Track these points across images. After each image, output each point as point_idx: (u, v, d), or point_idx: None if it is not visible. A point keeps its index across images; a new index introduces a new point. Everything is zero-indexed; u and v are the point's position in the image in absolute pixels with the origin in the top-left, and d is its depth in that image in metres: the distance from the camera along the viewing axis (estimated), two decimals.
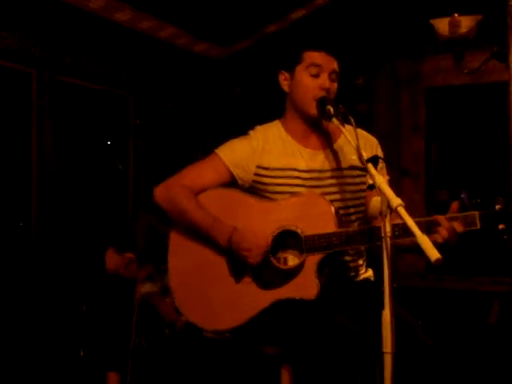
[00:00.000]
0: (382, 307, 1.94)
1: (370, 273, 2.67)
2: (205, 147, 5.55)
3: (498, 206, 2.24)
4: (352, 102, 5.13)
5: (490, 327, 4.77)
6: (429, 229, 2.21)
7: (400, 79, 5.16)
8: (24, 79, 4.21)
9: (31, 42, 4.14)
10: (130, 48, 4.83)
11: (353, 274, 2.59)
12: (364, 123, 5.08)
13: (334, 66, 2.50)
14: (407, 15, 4.90)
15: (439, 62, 4.90)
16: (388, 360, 1.92)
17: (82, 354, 3.20)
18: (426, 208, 5.16)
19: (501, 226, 2.23)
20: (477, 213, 2.25)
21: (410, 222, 1.86)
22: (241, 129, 2.70)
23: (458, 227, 2.22)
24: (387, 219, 1.97)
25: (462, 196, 4.79)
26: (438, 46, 4.65)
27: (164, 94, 5.23)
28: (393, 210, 1.92)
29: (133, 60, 4.90)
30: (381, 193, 1.97)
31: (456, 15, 4.00)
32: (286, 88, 2.59)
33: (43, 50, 4.23)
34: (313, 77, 2.48)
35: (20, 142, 4.21)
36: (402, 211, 1.89)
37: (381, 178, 2.01)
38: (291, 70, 2.54)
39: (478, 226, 2.24)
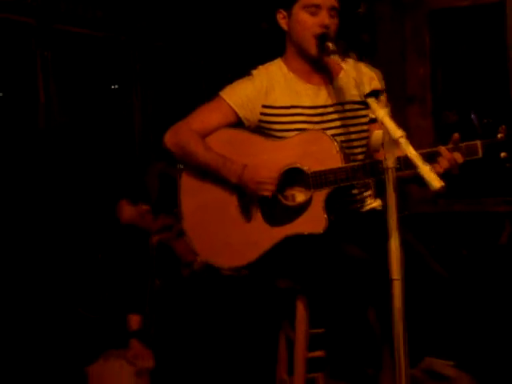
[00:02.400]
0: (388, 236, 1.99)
1: (378, 202, 2.72)
2: (208, 86, 5.54)
3: (500, 135, 2.26)
4: (355, 31, 5.08)
5: (501, 247, 4.83)
6: (431, 159, 2.24)
7: (402, 3, 5.10)
8: (25, 30, 4.20)
9: None
10: None
11: (359, 205, 2.65)
12: (368, 51, 5.08)
13: (333, 1, 2.49)
14: None
15: None
16: (397, 286, 1.98)
17: (104, 299, 3.29)
18: (435, 133, 5.16)
19: (503, 155, 2.24)
20: (479, 142, 2.26)
21: (412, 153, 1.89)
22: (242, 66, 2.71)
23: (459, 158, 2.25)
24: (390, 151, 2.00)
25: (472, 116, 4.78)
26: None
27: (164, 35, 5.19)
28: (395, 142, 1.95)
29: (131, 3, 4.85)
30: (382, 126, 2.00)
31: None
32: (284, 27, 2.58)
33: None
34: (311, 14, 2.48)
35: (26, 92, 4.23)
36: (404, 142, 1.92)
37: (382, 112, 2.03)
38: (288, 8, 2.53)
39: (480, 155, 2.26)
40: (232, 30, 5.54)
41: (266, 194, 2.46)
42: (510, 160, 2.25)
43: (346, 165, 2.39)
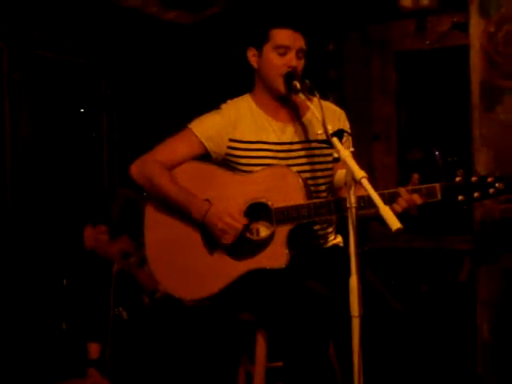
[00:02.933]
0: (349, 272, 2.03)
1: (339, 239, 2.77)
2: (178, 114, 5.56)
3: (458, 178, 2.33)
4: (323, 67, 5.16)
5: (460, 285, 4.89)
6: (391, 199, 2.30)
7: (370, 43, 5.19)
8: None
9: None
10: (100, 18, 4.79)
11: (322, 241, 2.69)
12: (335, 88, 5.17)
13: (301, 43, 2.55)
14: None
15: (407, 26, 4.94)
16: (356, 323, 2.01)
17: (64, 327, 3.25)
18: (398, 171, 5.24)
19: (460, 198, 2.32)
20: (437, 185, 2.33)
21: (373, 194, 1.95)
22: (213, 95, 2.75)
23: (418, 199, 2.30)
24: (352, 190, 2.05)
25: (436, 154, 4.86)
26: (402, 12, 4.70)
27: (135, 63, 5.22)
28: (357, 182, 2.00)
29: (103, 30, 4.87)
30: (346, 165, 2.05)
31: None
32: (254, 64, 2.64)
33: (12, 23, 4.20)
34: (280, 55, 2.54)
35: None
36: (366, 183, 1.97)
37: (346, 152, 2.09)
38: (259, 47, 2.59)
39: (439, 198, 2.32)
40: (203, 60, 5.58)
41: (225, 242, 2.49)
42: (467, 202, 2.32)
43: (309, 201, 2.44)
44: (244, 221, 2.48)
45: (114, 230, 3.27)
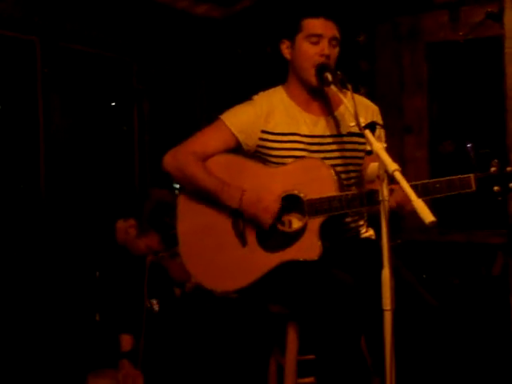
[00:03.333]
0: (382, 265, 2.02)
1: (371, 232, 2.76)
2: (208, 108, 5.58)
3: (493, 169, 2.31)
4: (354, 59, 5.13)
5: (493, 279, 4.85)
6: (425, 192, 2.29)
7: (401, 35, 5.15)
8: (28, 47, 4.24)
9: (33, 9, 4.16)
10: (132, 13, 4.83)
11: (354, 233, 2.68)
12: (366, 80, 5.13)
13: (334, 32, 2.54)
14: None
15: (439, 17, 4.88)
16: (388, 317, 2.01)
17: (97, 318, 3.29)
18: (430, 164, 5.19)
19: (496, 188, 2.29)
20: (472, 175, 2.31)
21: (406, 187, 1.93)
22: (244, 90, 2.75)
23: None
24: (385, 183, 2.04)
25: (468, 147, 4.82)
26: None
27: (167, 57, 5.24)
28: (390, 175, 1.99)
29: (135, 24, 4.90)
30: (378, 158, 2.04)
31: None
32: (287, 56, 2.63)
33: (45, 17, 4.25)
34: (313, 44, 2.53)
35: (27, 109, 4.26)
36: (399, 176, 1.96)
37: (378, 144, 2.07)
38: (292, 38, 2.59)
39: (474, 188, 2.31)
40: (234, 53, 5.59)
41: (264, 223, 2.49)
42: (503, 193, 2.30)
43: (341, 193, 2.43)
44: (279, 205, 2.47)
45: (142, 225, 3.29)
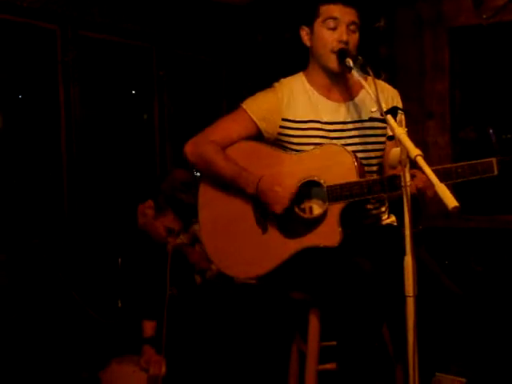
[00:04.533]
0: (404, 252, 2.01)
1: (392, 218, 2.74)
2: (229, 95, 5.58)
3: None
4: (374, 45, 5.09)
5: None
6: (446, 176, 2.28)
7: (422, 20, 5.09)
8: (48, 36, 4.25)
9: None
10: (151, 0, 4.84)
11: (375, 220, 2.67)
12: (387, 66, 5.09)
13: (353, 17, 2.52)
14: None
15: (460, 2, 4.82)
16: (410, 303, 2.00)
17: (120, 305, 3.30)
18: (452, 149, 5.15)
19: None
20: (494, 159, 2.29)
21: (429, 172, 1.92)
22: (264, 76, 2.74)
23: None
24: (407, 168, 2.02)
25: (490, 132, 4.78)
26: None
27: (187, 44, 5.24)
28: (412, 160, 1.98)
29: (154, 11, 4.90)
30: (400, 143, 2.02)
31: None
32: (307, 43, 2.62)
33: (65, 6, 4.25)
34: (331, 30, 2.51)
35: (48, 97, 4.28)
36: (421, 161, 1.94)
37: (400, 130, 2.06)
38: (310, 24, 2.57)
39: (496, 173, 2.29)
40: (254, 40, 5.57)
41: (275, 211, 2.49)
42: None
43: (362, 179, 2.42)
44: (294, 191, 2.47)
45: (159, 205, 3.29)
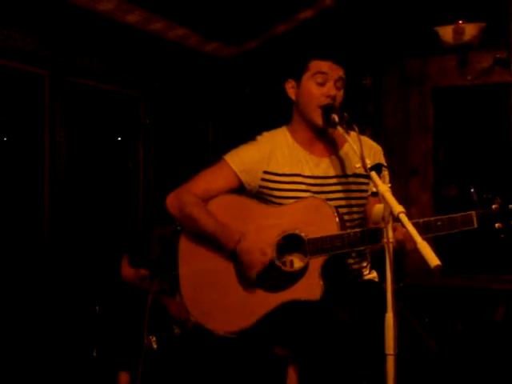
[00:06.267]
0: (385, 309, 1.99)
1: (374, 274, 2.73)
2: (215, 146, 5.60)
3: (494, 206, 2.31)
4: (360, 101, 5.16)
5: (496, 325, 4.81)
6: (427, 229, 2.29)
7: (408, 79, 5.19)
8: (36, 81, 4.27)
9: (43, 43, 4.20)
10: (141, 49, 4.88)
11: (356, 275, 2.65)
12: (372, 123, 5.16)
13: (340, 73, 2.54)
14: (413, 19, 4.92)
15: (446, 62, 4.92)
16: (390, 362, 1.97)
17: (94, 354, 3.25)
18: (434, 207, 5.19)
19: (497, 225, 2.29)
20: (473, 212, 2.31)
21: (412, 230, 1.92)
22: (250, 128, 2.75)
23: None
24: (389, 225, 2.02)
25: (471, 191, 4.82)
26: (443, 48, 4.68)
27: (174, 93, 5.28)
28: (395, 217, 1.98)
29: (143, 61, 4.95)
30: (384, 200, 2.03)
31: (460, 22, 4.02)
32: (292, 96, 2.64)
33: (55, 51, 4.29)
34: (319, 85, 2.53)
35: (33, 142, 4.27)
36: (404, 218, 1.94)
37: (384, 186, 2.06)
38: (298, 78, 2.59)
39: (475, 226, 2.31)
40: (241, 92, 5.63)
41: (251, 276, 2.48)
42: (505, 231, 2.29)
43: (343, 232, 2.42)
44: (272, 255, 2.46)
45: (152, 272, 3.31)
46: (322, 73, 2.53)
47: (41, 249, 4.17)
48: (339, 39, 4.48)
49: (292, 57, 2.67)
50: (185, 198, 2.62)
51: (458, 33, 3.90)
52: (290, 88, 2.63)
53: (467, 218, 2.31)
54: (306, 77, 2.56)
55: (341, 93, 2.57)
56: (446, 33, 4.00)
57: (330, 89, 2.52)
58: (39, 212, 4.22)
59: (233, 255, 2.54)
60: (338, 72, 2.54)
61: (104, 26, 4.51)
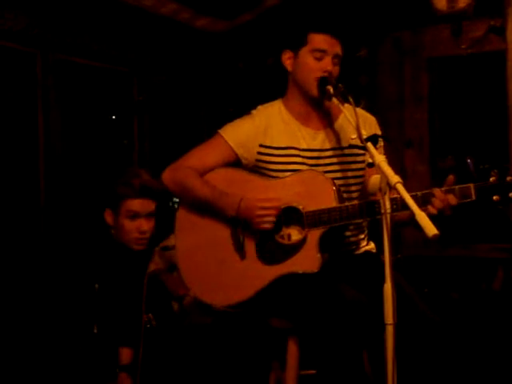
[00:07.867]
0: (383, 279, 2.00)
1: (371, 245, 2.74)
2: (209, 122, 5.58)
3: (492, 178, 2.32)
4: (354, 74, 5.14)
5: (494, 293, 4.83)
6: (425, 201, 2.29)
7: (402, 50, 5.15)
8: (28, 60, 4.24)
9: (33, 22, 4.16)
10: (132, 25, 4.84)
11: (354, 247, 2.66)
12: (367, 94, 5.13)
13: (338, 49, 2.55)
14: None
15: (440, 32, 4.88)
16: (390, 331, 1.98)
17: (95, 330, 3.26)
18: (431, 178, 5.18)
19: (495, 198, 2.30)
20: (472, 185, 2.31)
21: (408, 199, 1.92)
22: (244, 103, 2.74)
23: (452, 200, 2.29)
24: (386, 196, 2.02)
25: (468, 162, 4.82)
26: (437, 17, 4.65)
27: (167, 70, 5.25)
28: (392, 187, 1.98)
29: (135, 37, 4.91)
30: (380, 171, 2.03)
31: None
32: (288, 67, 2.63)
33: (46, 30, 4.25)
34: (316, 59, 2.54)
35: (27, 122, 4.25)
36: (401, 188, 1.95)
37: (380, 157, 2.07)
38: (295, 50, 2.59)
39: (473, 198, 2.32)
40: (235, 66, 5.60)
41: (265, 226, 2.47)
42: (503, 202, 2.30)
43: (341, 205, 2.42)
44: (279, 211, 2.46)
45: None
46: (321, 50, 2.53)
47: (38, 229, 4.17)
48: (334, 11, 4.45)
49: (291, 29, 2.66)
50: (181, 172, 2.63)
51: (452, 0, 3.87)
52: (287, 59, 2.63)
53: (465, 190, 2.32)
54: (304, 50, 2.57)
55: (337, 69, 2.58)
56: (440, 1, 3.97)
57: (327, 63, 2.53)
58: (35, 191, 4.21)
59: (233, 220, 2.54)
60: (336, 48, 2.55)
61: (94, 3, 4.47)
